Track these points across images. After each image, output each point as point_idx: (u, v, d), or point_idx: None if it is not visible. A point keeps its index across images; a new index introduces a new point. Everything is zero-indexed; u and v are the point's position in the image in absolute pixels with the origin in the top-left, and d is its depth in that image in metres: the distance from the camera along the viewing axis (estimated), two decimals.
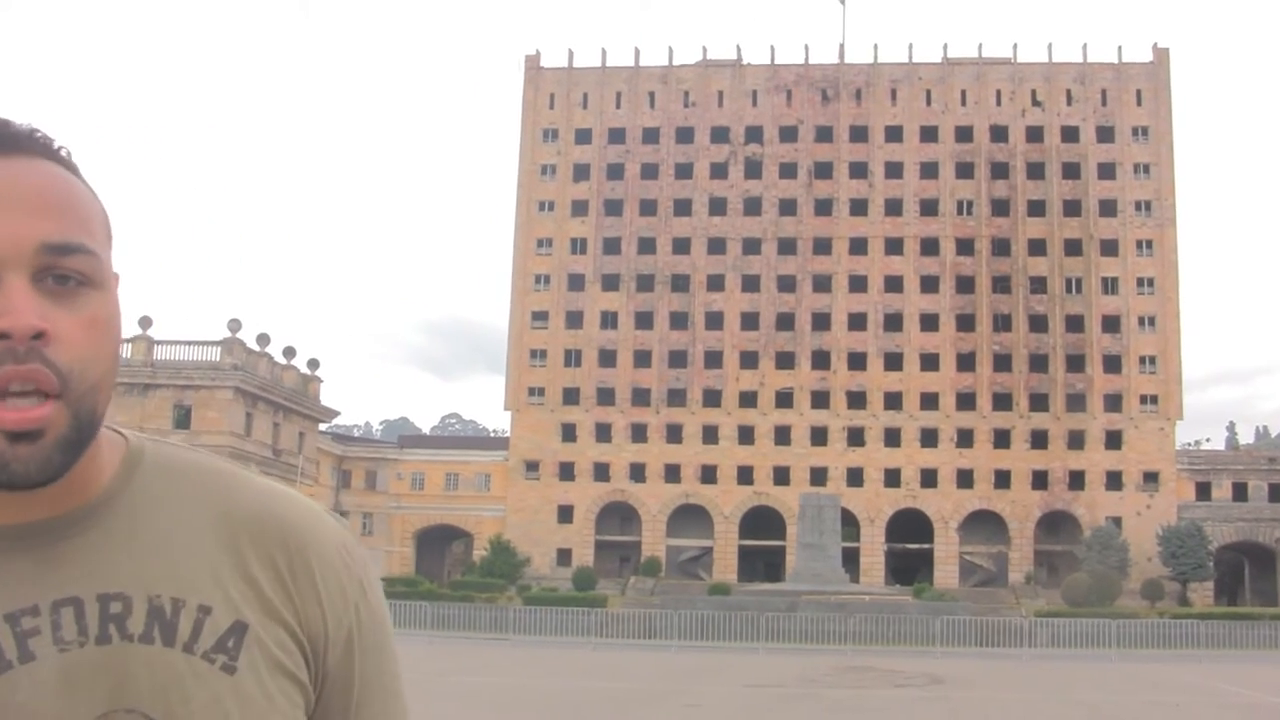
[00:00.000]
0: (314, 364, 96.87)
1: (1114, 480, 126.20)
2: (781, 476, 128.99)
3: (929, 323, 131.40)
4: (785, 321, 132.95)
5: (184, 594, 1.73)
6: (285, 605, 1.80)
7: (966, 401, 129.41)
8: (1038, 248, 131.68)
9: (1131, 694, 37.23)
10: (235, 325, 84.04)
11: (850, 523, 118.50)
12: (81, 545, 1.71)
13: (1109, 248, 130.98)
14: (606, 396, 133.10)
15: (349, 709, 1.88)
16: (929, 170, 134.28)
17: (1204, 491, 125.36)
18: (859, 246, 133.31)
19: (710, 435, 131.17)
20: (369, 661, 1.89)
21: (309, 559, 1.84)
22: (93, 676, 1.65)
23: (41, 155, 1.68)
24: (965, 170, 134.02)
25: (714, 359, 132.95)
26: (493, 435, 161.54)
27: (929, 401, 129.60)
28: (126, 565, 1.73)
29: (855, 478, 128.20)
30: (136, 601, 1.70)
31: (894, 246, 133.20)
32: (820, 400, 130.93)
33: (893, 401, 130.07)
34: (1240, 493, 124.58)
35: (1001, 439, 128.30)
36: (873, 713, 29.06)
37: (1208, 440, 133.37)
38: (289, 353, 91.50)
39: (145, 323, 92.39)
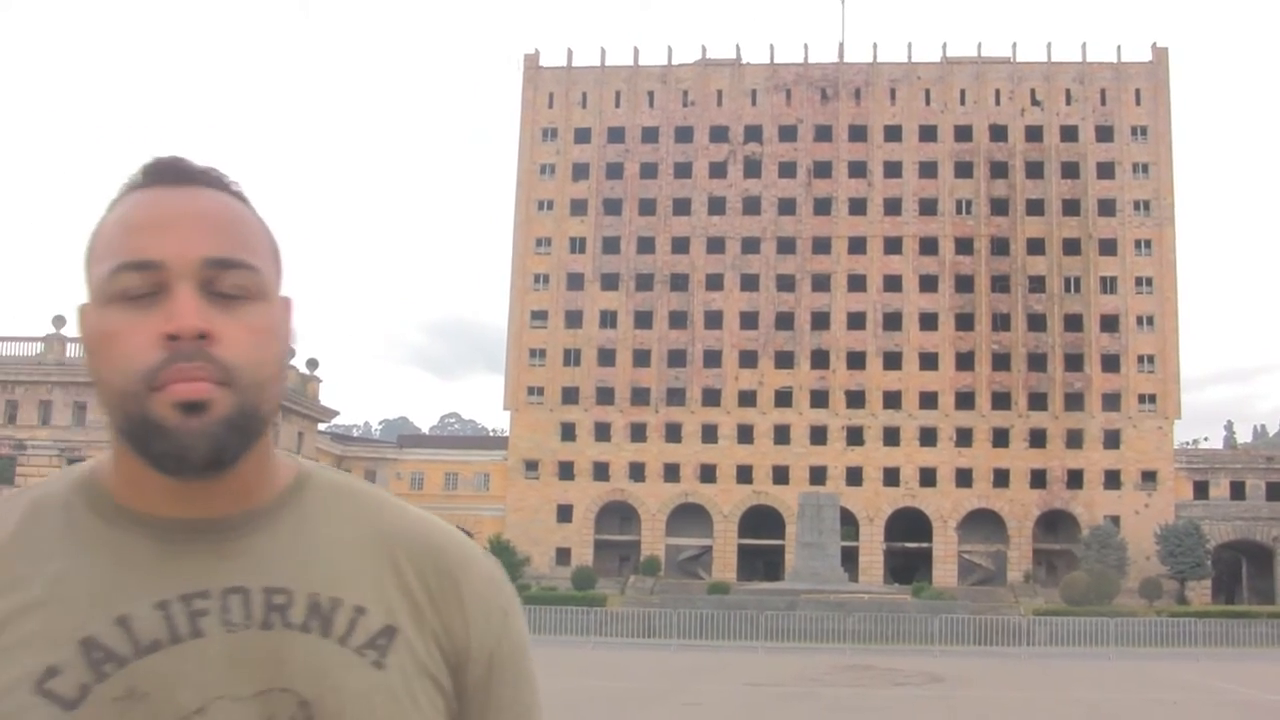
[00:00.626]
0: (313, 364, 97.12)
1: (1112, 479, 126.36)
2: (781, 476, 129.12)
3: (928, 322, 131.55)
4: (784, 321, 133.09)
5: (342, 594, 1.89)
6: (434, 618, 1.94)
7: (965, 401, 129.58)
8: (1036, 247, 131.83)
9: (1129, 692, 37.37)
10: None
11: (849, 522, 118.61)
12: (251, 544, 1.88)
13: (1108, 247, 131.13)
14: (606, 396, 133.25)
15: None
16: (928, 170, 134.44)
17: (1202, 490, 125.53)
18: (858, 246, 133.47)
19: (709, 434, 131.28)
20: (507, 687, 2.02)
21: (459, 581, 1.99)
22: (255, 657, 1.80)
23: (214, 188, 1.90)
24: (964, 170, 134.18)
25: (713, 358, 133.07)
26: (492, 435, 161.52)
27: (928, 401, 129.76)
28: (290, 565, 1.89)
29: (854, 477, 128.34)
30: (298, 596, 1.86)
31: (893, 246, 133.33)
32: (819, 399, 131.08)
33: (892, 401, 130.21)
34: (1238, 491, 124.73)
35: (1000, 438, 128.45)
36: (872, 712, 29.18)
37: (1205, 439, 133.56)
38: (288, 353, 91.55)
39: None
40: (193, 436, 1.77)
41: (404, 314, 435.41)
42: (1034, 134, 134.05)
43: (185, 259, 1.81)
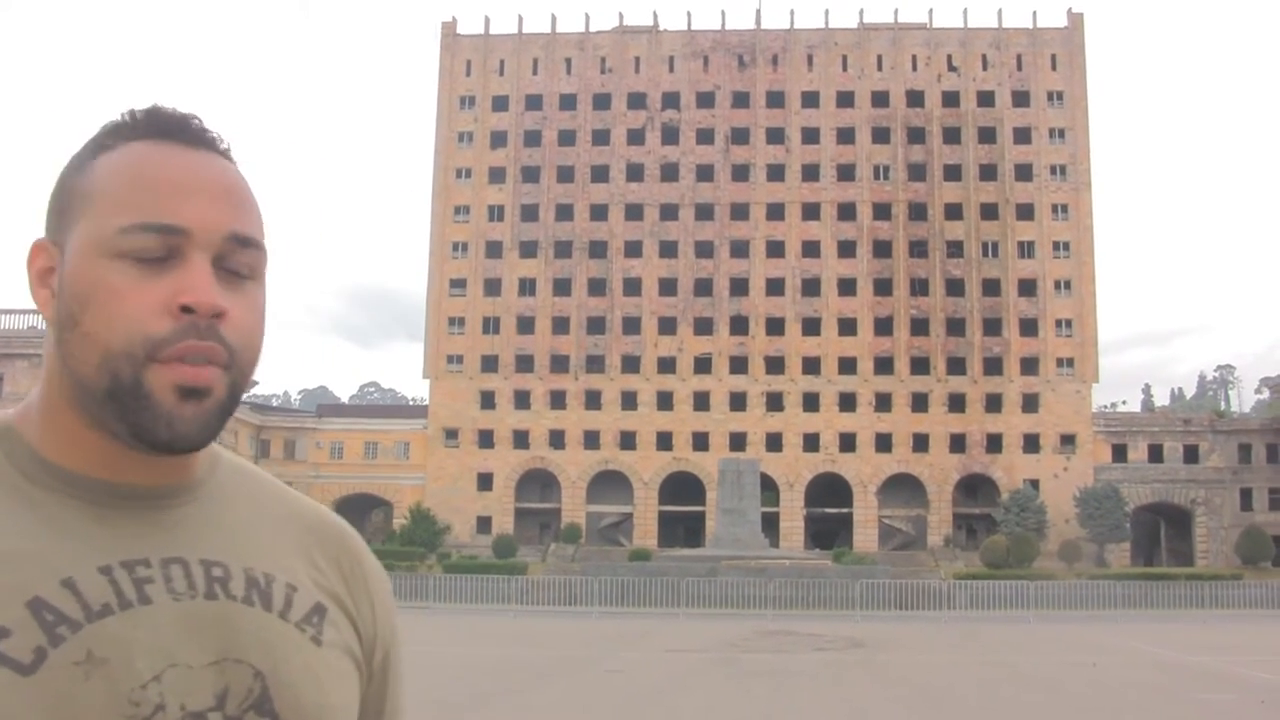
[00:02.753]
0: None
1: (1031, 443, 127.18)
2: (701, 442, 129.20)
3: (846, 287, 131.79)
4: (703, 287, 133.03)
5: (273, 571, 1.87)
6: (350, 602, 1.94)
7: (884, 366, 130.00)
8: (954, 212, 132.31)
9: (1049, 655, 37.49)
10: None
11: (770, 488, 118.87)
12: (180, 516, 1.83)
13: (1025, 212, 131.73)
14: (525, 364, 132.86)
15: (381, 715, 2.02)
16: (845, 135, 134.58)
17: (1120, 454, 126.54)
18: (776, 212, 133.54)
19: (629, 401, 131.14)
20: (396, 679, 2.05)
21: (365, 567, 2.01)
22: (206, 626, 1.75)
23: (225, 157, 1.85)
24: (882, 135, 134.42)
25: (632, 325, 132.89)
26: (412, 404, 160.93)
27: (847, 366, 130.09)
28: (220, 539, 1.85)
29: (774, 443, 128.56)
30: (234, 570, 1.83)
31: (811, 212, 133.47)
32: (739, 366, 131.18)
33: (811, 366, 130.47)
34: (1156, 454, 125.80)
35: (919, 403, 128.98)
36: (794, 676, 29.09)
37: (1124, 403, 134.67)
38: None
39: None
40: (186, 424, 1.73)
41: (323, 283, 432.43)
42: (951, 99, 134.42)
43: (210, 230, 1.76)
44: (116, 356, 1.71)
